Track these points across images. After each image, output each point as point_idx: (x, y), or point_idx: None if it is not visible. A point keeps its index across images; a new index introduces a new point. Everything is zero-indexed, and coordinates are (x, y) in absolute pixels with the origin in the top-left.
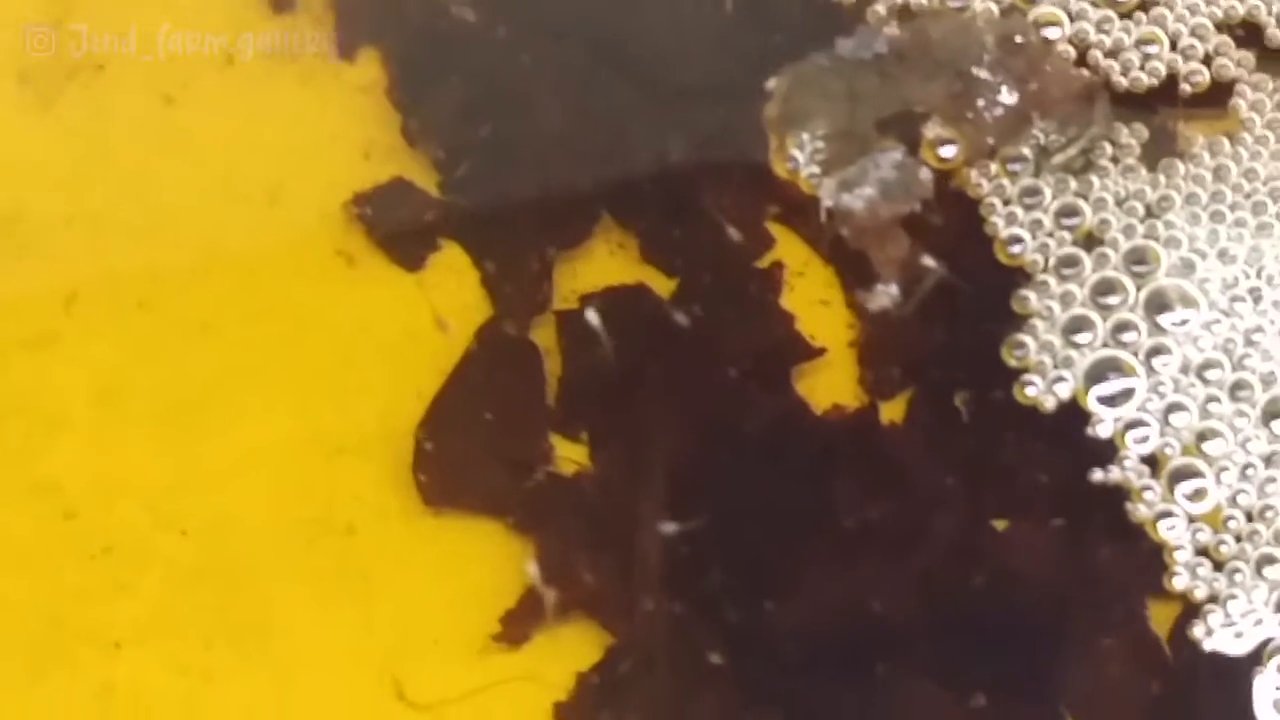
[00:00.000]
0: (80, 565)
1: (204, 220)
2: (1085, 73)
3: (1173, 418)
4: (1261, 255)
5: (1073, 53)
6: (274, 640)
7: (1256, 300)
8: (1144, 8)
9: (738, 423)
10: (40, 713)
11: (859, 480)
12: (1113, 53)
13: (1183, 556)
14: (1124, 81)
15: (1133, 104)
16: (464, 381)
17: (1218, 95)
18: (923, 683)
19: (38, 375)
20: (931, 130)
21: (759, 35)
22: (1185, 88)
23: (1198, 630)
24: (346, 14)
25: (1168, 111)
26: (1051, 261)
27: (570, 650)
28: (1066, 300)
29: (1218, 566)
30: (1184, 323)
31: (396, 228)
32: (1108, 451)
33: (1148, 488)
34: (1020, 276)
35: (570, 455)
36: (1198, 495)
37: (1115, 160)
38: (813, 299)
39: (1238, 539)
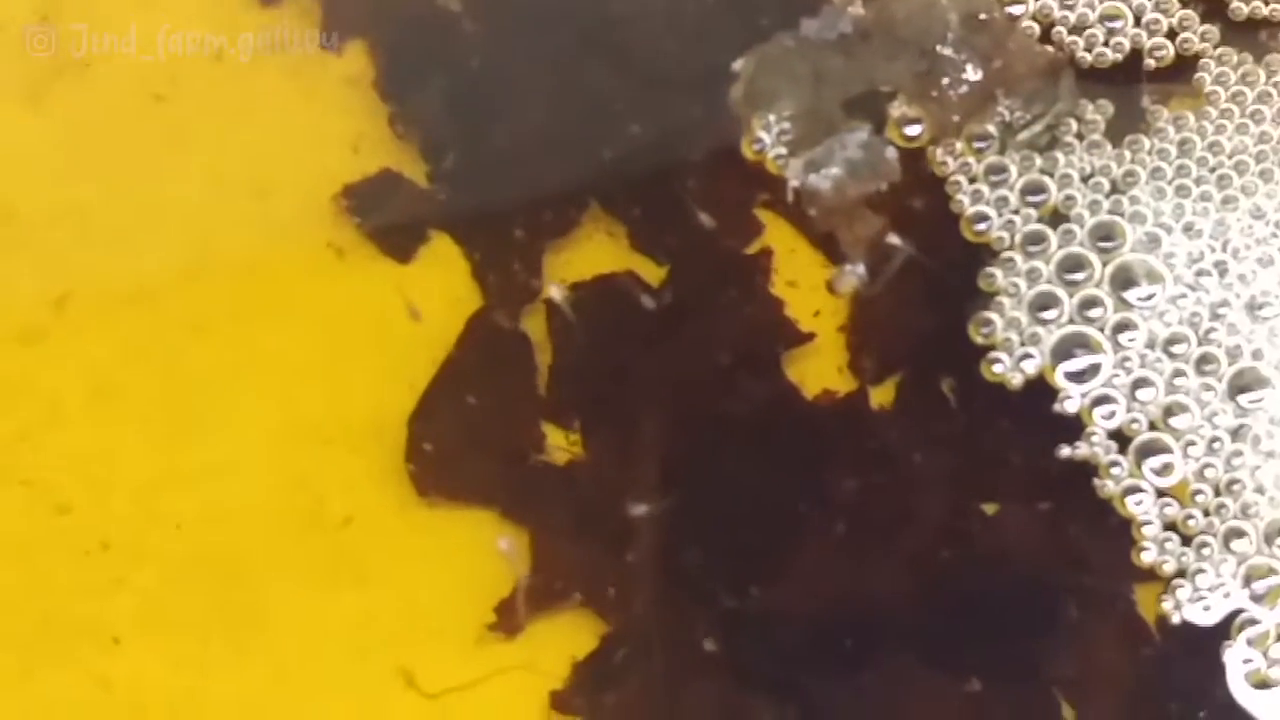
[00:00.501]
0: (75, 561)
1: (194, 215)
2: (1050, 49)
3: (1140, 393)
4: (1227, 229)
5: (1037, 29)
6: (270, 633)
7: (1222, 274)
8: None
9: (729, 409)
10: (37, 708)
11: (849, 465)
12: (1077, 29)
13: (1151, 531)
14: (1088, 57)
15: (1097, 80)
16: (455, 372)
17: (1182, 70)
18: (918, 667)
19: (30, 372)
20: (897, 109)
21: (742, 19)
22: (1150, 63)
23: (1166, 604)
24: (333, 6)
25: (1132, 87)
26: (1018, 238)
27: (566, 639)
28: (1033, 277)
29: (1186, 541)
30: (1150, 298)
31: (386, 220)
32: (1075, 427)
33: (1115, 463)
34: (987, 254)
35: (562, 444)
36: (1165, 470)
37: (1080, 136)
38: (798, 283)
39: (1205, 513)
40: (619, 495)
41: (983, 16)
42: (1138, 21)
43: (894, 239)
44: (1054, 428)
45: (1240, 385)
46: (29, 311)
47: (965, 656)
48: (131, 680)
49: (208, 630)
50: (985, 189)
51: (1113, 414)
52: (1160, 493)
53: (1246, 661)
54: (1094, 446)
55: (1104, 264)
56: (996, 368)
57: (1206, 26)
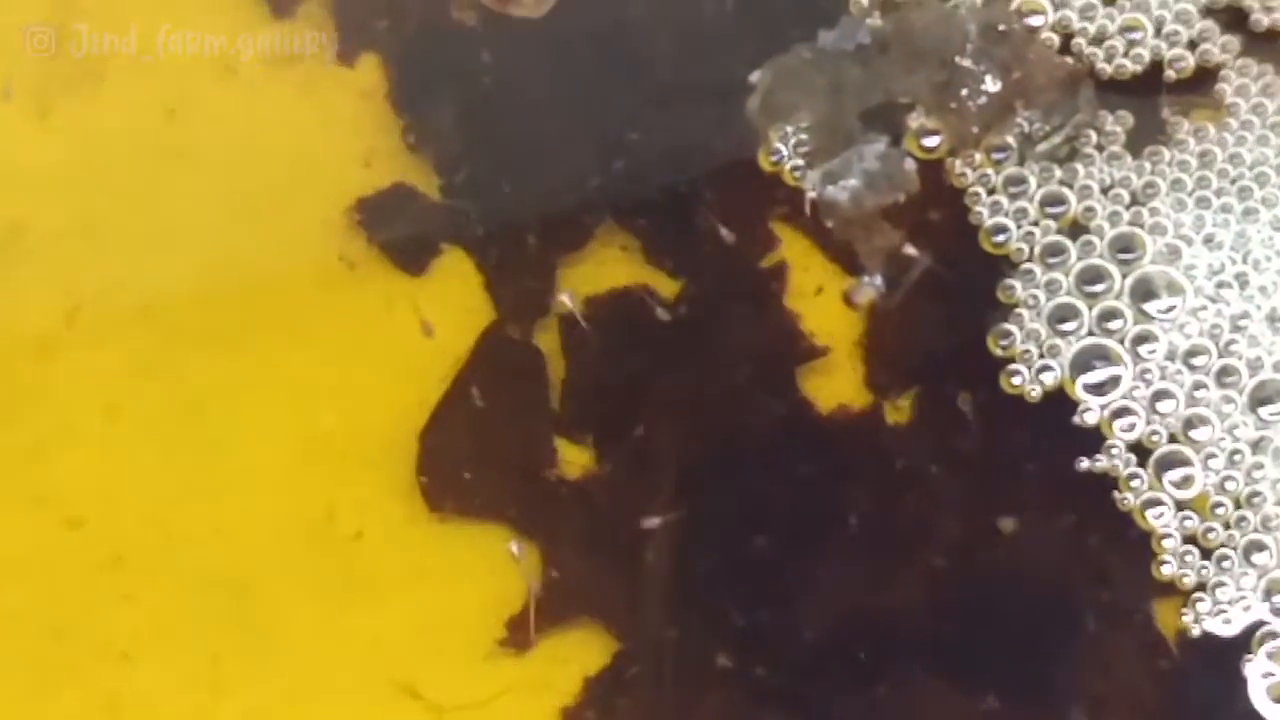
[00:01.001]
0: (86, 576)
1: (206, 229)
2: (1069, 60)
3: (1160, 405)
4: (1247, 241)
5: (1056, 40)
6: (280, 648)
7: (1243, 286)
8: None
9: (743, 423)
10: None
11: (866, 478)
12: (1097, 40)
13: (1171, 544)
14: (1108, 68)
15: (1117, 91)
16: (467, 386)
17: (1202, 81)
18: (933, 683)
19: (42, 387)
20: (915, 120)
21: (759, 31)
22: (1170, 74)
23: (1186, 618)
24: (346, 19)
25: (1152, 98)
26: (1037, 250)
27: (577, 655)
28: (1052, 289)
29: (1206, 554)
30: (1170, 310)
31: (398, 233)
32: (1094, 440)
33: (1135, 476)
34: (1006, 265)
35: (575, 459)
36: (1185, 483)
37: (1100, 148)
38: (815, 296)
39: (1225, 526)
40: (632, 510)
41: (1002, 28)
42: (1158, 32)
43: (912, 251)
44: (1073, 440)
45: (1261, 397)
46: (41, 327)
47: (982, 672)
48: (141, 696)
49: (219, 646)
50: (1004, 200)
51: (1132, 426)
52: (1180, 505)
53: (1267, 675)
54: (1113, 459)
55: (1124, 276)
56: (1015, 380)
57: (1227, 38)
